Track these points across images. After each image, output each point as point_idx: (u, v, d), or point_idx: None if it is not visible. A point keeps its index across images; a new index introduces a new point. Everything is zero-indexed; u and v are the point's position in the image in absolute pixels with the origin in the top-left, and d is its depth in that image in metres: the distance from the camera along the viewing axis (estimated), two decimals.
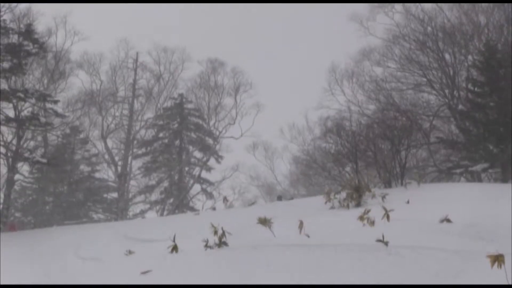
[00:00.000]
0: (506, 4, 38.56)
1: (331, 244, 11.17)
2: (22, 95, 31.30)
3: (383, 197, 19.22)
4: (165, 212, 52.36)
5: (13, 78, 32.95)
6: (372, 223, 14.21)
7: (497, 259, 7.16)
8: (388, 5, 44.40)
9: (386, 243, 10.26)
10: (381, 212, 14.89)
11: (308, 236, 12.86)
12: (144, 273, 10.25)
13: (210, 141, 56.32)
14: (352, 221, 14.96)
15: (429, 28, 42.60)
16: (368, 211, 14.65)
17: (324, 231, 13.97)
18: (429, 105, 42.06)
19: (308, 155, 47.99)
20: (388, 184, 25.35)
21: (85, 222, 44.79)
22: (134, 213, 54.04)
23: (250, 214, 21.81)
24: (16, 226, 36.97)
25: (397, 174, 25.97)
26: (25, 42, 30.93)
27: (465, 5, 41.74)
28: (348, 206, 19.67)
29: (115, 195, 52.92)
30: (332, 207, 20.28)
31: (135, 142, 54.95)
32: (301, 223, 13.73)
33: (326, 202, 20.83)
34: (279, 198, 15.79)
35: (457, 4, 42.01)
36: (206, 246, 13.34)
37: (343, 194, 20.61)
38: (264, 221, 14.53)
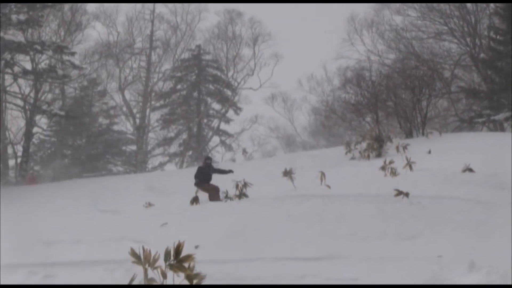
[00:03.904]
0: None
1: (352, 194, 11.10)
2: (39, 47, 30.82)
3: (405, 148, 19.04)
4: (184, 165, 52.40)
5: (29, 30, 32.65)
6: (393, 173, 14.11)
7: None
8: None
9: (406, 194, 10.17)
10: (403, 163, 14.79)
11: (329, 187, 12.80)
12: (163, 225, 10.26)
13: (229, 92, 55.96)
14: (373, 172, 14.88)
15: None
16: (390, 162, 14.53)
17: (344, 182, 13.90)
18: (450, 54, 41.32)
19: (328, 106, 47.50)
20: (409, 134, 25.15)
21: (104, 175, 44.86)
22: (153, 165, 54.12)
23: (270, 165, 21.81)
24: (35, 179, 37.33)
25: (418, 124, 25.74)
26: None
27: None
28: (368, 157, 19.55)
29: (133, 147, 52.77)
30: (353, 158, 20.18)
31: (153, 94, 54.62)
32: (322, 174, 13.66)
33: (346, 153, 20.72)
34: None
35: None
36: (226, 197, 13.38)
37: (364, 145, 20.47)
38: (287, 173, 14.49)
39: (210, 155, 15.87)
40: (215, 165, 18.70)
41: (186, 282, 5.62)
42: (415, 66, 29.02)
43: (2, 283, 7.60)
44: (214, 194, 15.23)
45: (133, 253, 5.73)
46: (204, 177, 15.80)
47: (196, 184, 15.55)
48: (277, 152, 54.14)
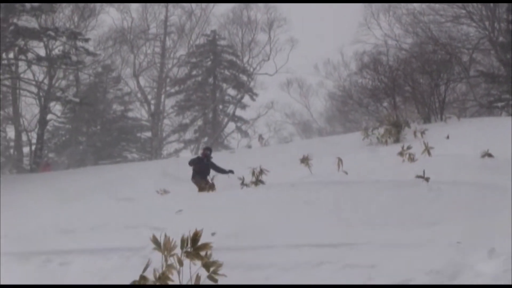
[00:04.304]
0: None
1: (369, 180, 11.00)
2: (52, 34, 30.76)
3: (423, 133, 18.86)
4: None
5: (43, 16, 32.58)
6: (412, 159, 13.97)
7: None
8: None
9: (427, 179, 10.04)
10: (421, 148, 14.64)
11: (346, 173, 12.69)
12: (178, 212, 10.21)
13: (244, 78, 55.79)
14: (391, 157, 14.76)
15: None
16: (408, 147, 14.39)
17: (362, 168, 13.78)
18: (468, 37, 40.79)
19: (344, 91, 47.13)
20: (427, 119, 24.93)
21: (119, 162, 44.92)
22: (168, 152, 54.10)
23: (286, 151, 21.75)
24: (49, 166, 37.49)
25: (436, 109, 25.49)
26: None
27: None
28: (386, 142, 19.40)
29: (148, 134, 52.67)
30: (370, 144, 20.04)
31: (167, 80, 54.50)
32: (339, 160, 13.54)
33: (363, 139, 20.58)
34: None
35: None
36: (242, 184, 13.30)
37: (381, 130, 20.31)
38: (304, 159, 14.40)
39: (210, 145, 15.26)
40: (230, 152, 18.56)
41: (202, 270, 5.57)
42: (433, 50, 28.66)
43: (18, 271, 7.62)
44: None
45: (155, 240, 5.70)
46: (201, 170, 15.45)
47: (193, 178, 15.35)
48: (294, 138, 54.02)
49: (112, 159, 47.28)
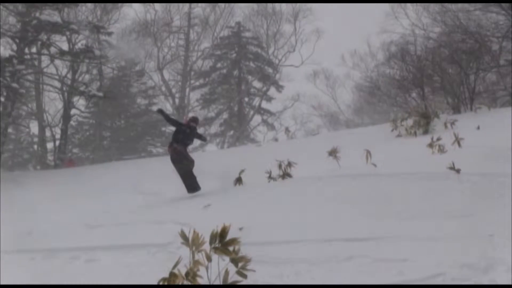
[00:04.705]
0: None
1: (399, 173, 10.85)
2: (75, 28, 30.72)
3: (452, 124, 18.58)
4: (225, 145, 52.31)
5: (65, 10, 32.61)
6: (442, 150, 13.76)
7: None
8: None
9: (457, 171, 9.87)
10: (451, 139, 14.40)
11: (375, 166, 12.52)
12: (206, 207, 10.18)
13: (270, 70, 55.57)
14: (421, 149, 14.54)
15: None
16: (438, 138, 14.17)
17: (391, 160, 13.60)
18: (498, 26, 40.07)
19: (372, 82, 46.76)
20: (456, 110, 24.63)
21: (144, 156, 44.85)
22: (193, 146, 54.06)
23: (314, 144, 21.59)
24: (74, 162, 37.72)
25: (466, 99, 25.20)
26: None
27: None
28: (415, 134, 19.15)
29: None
30: (399, 135, 19.80)
31: (192, 73, 54.37)
32: (368, 152, 13.37)
33: (392, 130, 20.36)
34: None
35: None
36: (270, 177, 13.21)
37: (410, 122, 20.05)
38: (332, 152, 14.24)
39: (197, 116, 14.06)
40: (257, 145, 18.19)
41: (231, 266, 5.50)
42: (462, 39, 28.27)
43: (44, 268, 7.62)
44: (184, 164, 13.47)
45: (183, 235, 5.64)
46: (180, 139, 14.05)
47: (169, 147, 14.19)
48: (321, 131, 53.64)
49: (137, 153, 47.22)
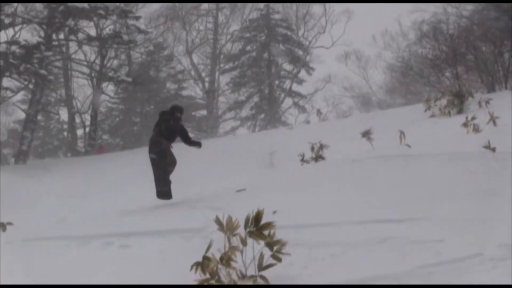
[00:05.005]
0: None
1: (433, 153, 10.74)
2: (103, 13, 30.46)
3: (487, 102, 18.26)
4: (257, 128, 52.12)
5: None
6: (476, 129, 13.57)
7: None
8: None
9: (493, 149, 9.72)
10: (485, 118, 14.18)
11: (409, 146, 12.40)
12: (239, 191, 10.19)
13: (300, 52, 55.17)
14: (455, 129, 14.35)
15: None
16: (473, 118, 13.97)
17: (425, 140, 13.47)
18: None
19: (404, 62, 46.11)
20: (491, 88, 24.24)
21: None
22: (224, 130, 54.03)
23: (346, 126, 21.48)
24: (104, 148, 37.99)
25: (500, 78, 24.78)
26: None
27: None
28: (449, 114, 18.88)
29: (204, 112, 52.35)
30: (432, 115, 19.54)
31: (221, 56, 54.25)
32: (401, 133, 13.25)
33: (425, 110, 20.10)
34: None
35: None
36: (302, 160, 13.17)
37: (444, 101, 19.76)
38: (366, 133, 14.15)
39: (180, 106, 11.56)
40: (288, 128, 18.00)
41: (266, 250, 5.50)
42: (495, 17, 27.71)
43: (77, 255, 7.71)
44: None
45: (217, 220, 5.66)
46: (162, 131, 11.46)
47: (151, 140, 11.58)
48: (353, 112, 53.27)
49: None
